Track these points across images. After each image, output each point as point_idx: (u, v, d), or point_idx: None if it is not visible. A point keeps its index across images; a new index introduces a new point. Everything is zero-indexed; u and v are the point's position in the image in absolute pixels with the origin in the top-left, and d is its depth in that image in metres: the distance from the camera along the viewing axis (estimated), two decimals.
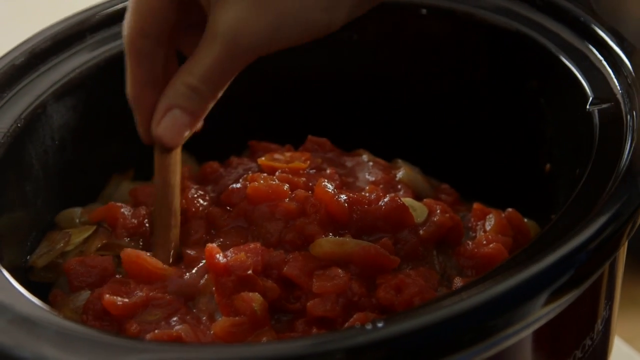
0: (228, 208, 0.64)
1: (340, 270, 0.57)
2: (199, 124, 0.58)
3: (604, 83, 0.62)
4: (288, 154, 0.68)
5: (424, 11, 0.73)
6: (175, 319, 0.56)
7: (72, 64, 0.69)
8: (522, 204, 0.67)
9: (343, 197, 0.61)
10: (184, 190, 0.65)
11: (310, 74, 0.75)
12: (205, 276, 0.58)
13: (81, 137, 0.69)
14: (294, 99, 0.77)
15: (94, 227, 0.65)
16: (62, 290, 0.61)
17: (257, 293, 0.56)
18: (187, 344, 0.53)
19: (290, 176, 0.64)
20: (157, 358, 0.47)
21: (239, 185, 0.64)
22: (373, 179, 0.67)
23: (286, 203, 0.61)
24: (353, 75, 0.76)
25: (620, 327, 0.65)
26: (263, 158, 0.68)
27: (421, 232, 0.61)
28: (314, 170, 0.67)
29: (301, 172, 0.66)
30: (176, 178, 0.61)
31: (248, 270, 0.56)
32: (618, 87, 0.61)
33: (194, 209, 0.64)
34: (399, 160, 0.72)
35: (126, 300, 0.57)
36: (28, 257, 0.64)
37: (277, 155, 0.68)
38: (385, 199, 0.61)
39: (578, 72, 0.63)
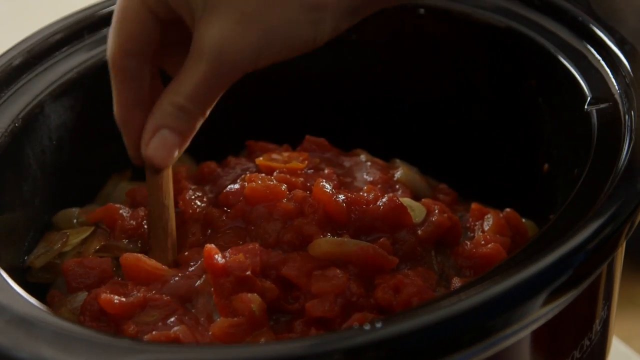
0: (226, 209, 0.64)
1: (338, 271, 0.57)
2: (188, 143, 0.58)
3: (602, 83, 0.62)
4: (286, 154, 0.68)
5: (422, 11, 0.73)
6: (172, 319, 0.56)
7: (70, 64, 0.69)
8: (520, 204, 0.67)
9: (341, 197, 0.61)
10: (181, 191, 0.65)
11: (308, 74, 0.75)
12: (203, 277, 0.58)
13: (79, 137, 0.68)
14: (292, 99, 0.77)
15: (92, 228, 0.65)
16: (60, 291, 0.61)
17: (255, 294, 0.56)
18: (185, 344, 0.53)
19: (288, 176, 0.64)
20: (155, 359, 0.47)
21: (236, 185, 0.64)
22: (371, 178, 0.67)
23: (284, 203, 0.61)
24: (351, 75, 0.76)
25: (618, 327, 0.65)
26: (261, 158, 0.67)
27: (419, 232, 0.61)
28: (312, 170, 0.67)
29: (299, 172, 0.66)
30: (169, 198, 0.61)
31: (246, 270, 0.56)
32: (616, 87, 0.61)
33: (191, 211, 0.64)
34: (397, 160, 0.72)
35: (123, 299, 0.57)
36: (26, 258, 0.64)
37: (274, 155, 0.68)
38: (384, 199, 0.61)
39: (576, 72, 0.63)
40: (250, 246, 0.58)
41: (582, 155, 0.57)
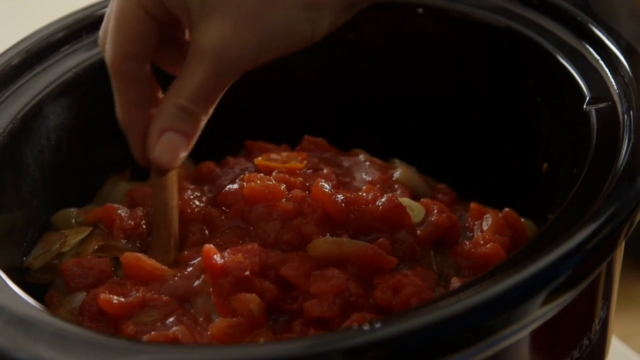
0: (224, 209, 0.64)
1: (337, 271, 0.57)
2: (194, 143, 0.58)
3: (600, 82, 0.62)
4: (285, 154, 0.68)
5: (420, 10, 0.73)
6: (171, 320, 0.56)
7: (68, 64, 0.68)
8: (519, 204, 0.67)
9: (340, 197, 0.61)
10: (180, 191, 0.65)
11: (307, 74, 0.75)
12: (202, 277, 0.58)
13: (77, 137, 0.68)
14: (291, 99, 0.77)
15: (90, 228, 0.64)
16: (59, 291, 0.61)
17: (254, 294, 0.56)
18: (184, 345, 0.53)
19: (287, 176, 0.64)
20: (153, 359, 0.47)
21: (235, 185, 0.64)
22: (370, 178, 0.67)
23: (283, 203, 0.61)
24: (350, 75, 0.76)
25: (617, 326, 0.65)
26: (259, 158, 0.67)
27: (418, 232, 0.61)
28: (311, 170, 0.67)
29: (298, 172, 0.66)
30: (174, 200, 0.61)
31: (245, 271, 0.56)
32: (615, 86, 0.61)
33: (189, 211, 0.64)
34: (396, 160, 0.72)
35: (122, 299, 0.57)
36: (24, 258, 0.64)
37: (273, 155, 0.68)
38: (383, 199, 0.61)
39: (575, 71, 0.63)
40: (249, 246, 0.58)
41: (581, 154, 0.57)
